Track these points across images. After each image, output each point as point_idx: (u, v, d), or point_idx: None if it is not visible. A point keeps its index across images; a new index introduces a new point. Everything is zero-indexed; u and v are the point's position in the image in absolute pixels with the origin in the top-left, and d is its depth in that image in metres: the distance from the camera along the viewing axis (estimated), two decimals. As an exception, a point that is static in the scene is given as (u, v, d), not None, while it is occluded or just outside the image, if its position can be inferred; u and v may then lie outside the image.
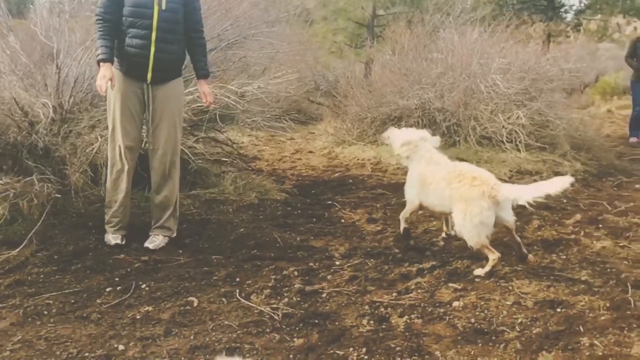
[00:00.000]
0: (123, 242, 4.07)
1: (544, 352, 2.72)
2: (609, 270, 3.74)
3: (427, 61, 7.79)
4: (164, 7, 3.88)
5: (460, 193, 3.75)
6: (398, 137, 4.37)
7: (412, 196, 4.21)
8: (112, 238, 4.06)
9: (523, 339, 2.86)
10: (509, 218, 3.79)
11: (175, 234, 4.20)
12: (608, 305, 3.20)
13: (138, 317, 3.06)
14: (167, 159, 4.06)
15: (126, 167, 3.98)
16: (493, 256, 3.68)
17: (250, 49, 5.74)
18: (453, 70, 7.43)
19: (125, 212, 4.11)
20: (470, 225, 3.69)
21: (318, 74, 11.38)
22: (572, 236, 4.39)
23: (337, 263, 3.93)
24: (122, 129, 3.92)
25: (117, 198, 4.05)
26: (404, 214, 4.30)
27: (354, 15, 13.43)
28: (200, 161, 5.09)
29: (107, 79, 3.75)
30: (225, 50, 5.44)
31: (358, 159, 7.26)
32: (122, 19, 3.86)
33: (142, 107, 4.01)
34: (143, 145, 4.28)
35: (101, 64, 3.78)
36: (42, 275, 3.57)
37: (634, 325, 2.97)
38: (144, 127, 4.17)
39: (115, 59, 3.90)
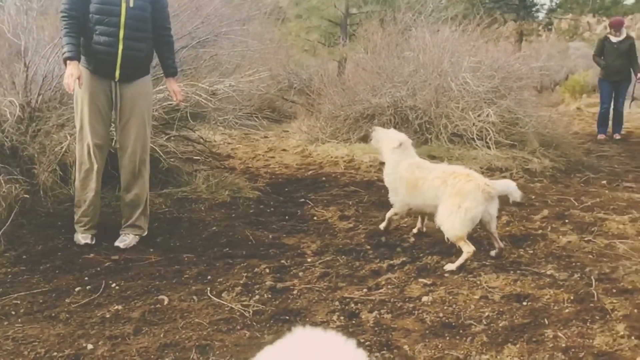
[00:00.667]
0: (93, 242, 4.03)
1: (509, 344, 2.78)
2: (573, 264, 3.83)
3: (399, 59, 7.85)
4: (131, 5, 3.85)
5: (457, 188, 3.84)
6: (389, 137, 4.45)
7: (402, 202, 4.29)
8: (82, 237, 4.03)
9: (489, 332, 2.92)
10: (494, 213, 3.91)
11: (146, 233, 4.18)
12: (572, 298, 3.29)
13: (107, 316, 3.05)
14: (137, 157, 4.04)
15: (95, 165, 3.95)
16: (468, 249, 3.77)
17: (221, 47, 5.72)
18: (425, 69, 7.50)
19: (95, 211, 4.07)
20: (460, 218, 3.78)
21: (292, 73, 11.38)
22: (539, 231, 4.48)
23: (309, 260, 3.95)
24: (90, 128, 3.88)
25: (87, 197, 4.01)
26: (390, 215, 4.37)
27: (327, 13, 13.46)
28: (171, 160, 5.06)
29: (75, 77, 3.71)
30: (196, 48, 5.42)
31: (331, 157, 7.29)
32: (89, 15, 3.82)
33: (110, 105, 3.98)
34: (112, 143, 4.25)
35: (68, 62, 3.74)
36: (10, 276, 3.52)
37: (597, 317, 3.06)
38: (112, 125, 4.14)
39: (83, 57, 3.86)
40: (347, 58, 10.38)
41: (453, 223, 3.81)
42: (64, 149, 4.44)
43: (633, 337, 2.84)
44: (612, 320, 3.02)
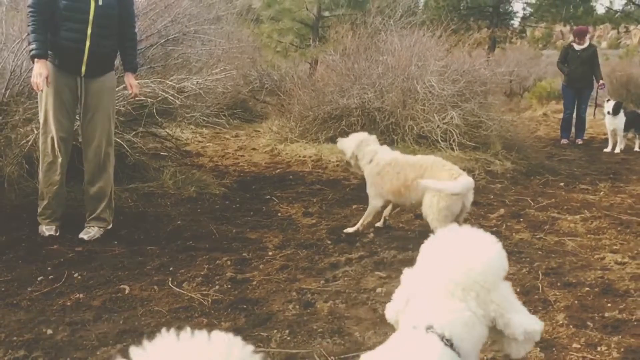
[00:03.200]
0: (57, 233, 4.09)
1: (455, 332, 2.92)
2: (523, 259, 4.00)
3: (368, 62, 8.01)
4: (100, 3, 3.93)
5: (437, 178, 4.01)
6: (349, 142, 4.59)
7: (378, 196, 4.41)
8: (46, 229, 4.08)
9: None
10: (468, 205, 4.09)
11: (111, 226, 4.25)
12: (518, 290, 3.45)
13: (68, 304, 3.12)
14: (102, 151, 4.11)
15: (59, 159, 4.01)
16: None
17: (191, 46, 5.81)
18: (392, 71, 7.67)
19: (59, 203, 4.13)
20: (438, 207, 3.95)
21: (263, 73, 11.49)
22: (494, 229, 4.66)
23: (270, 253, 4.07)
24: (55, 121, 3.94)
25: (50, 190, 4.07)
26: (367, 216, 4.49)
27: (299, 15, 13.61)
28: (138, 155, 5.13)
29: (44, 77, 3.78)
30: (165, 46, 5.50)
31: (300, 156, 7.41)
32: (57, 12, 3.88)
33: (75, 100, 4.05)
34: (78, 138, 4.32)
35: (36, 60, 3.80)
36: (-28, 265, 3.57)
37: (539, 308, 3.23)
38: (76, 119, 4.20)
39: (49, 52, 3.92)
40: (318, 60, 10.51)
41: (433, 213, 3.99)
42: (30, 143, 4.48)
43: (571, 326, 3.02)
44: (553, 310, 3.19)
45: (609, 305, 3.28)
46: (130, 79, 4.31)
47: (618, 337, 2.89)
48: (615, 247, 4.27)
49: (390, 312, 1.65)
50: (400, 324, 1.56)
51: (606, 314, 3.15)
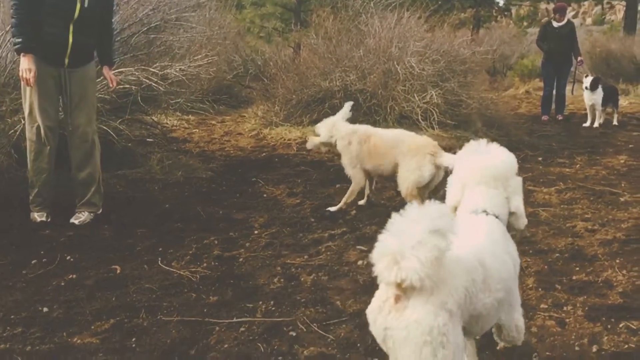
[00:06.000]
0: (49, 219, 4.22)
1: (430, 297, 3.10)
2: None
3: (349, 45, 8.12)
4: (86, 5, 4.06)
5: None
6: (322, 127, 4.76)
7: (359, 171, 4.61)
8: (38, 216, 4.21)
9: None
10: (438, 180, 4.30)
11: (100, 210, 4.38)
12: (492, 258, 3.62)
13: (62, 284, 3.26)
14: (89, 137, 4.25)
15: (47, 147, 4.13)
16: None
17: (173, 33, 5.90)
18: (374, 54, 7.79)
19: (48, 191, 4.25)
20: (412, 174, 4.21)
21: (247, 58, 11.55)
22: (472, 202, 4.83)
23: (256, 232, 4.22)
24: (41, 110, 4.06)
25: (40, 178, 4.19)
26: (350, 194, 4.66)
27: (281, 0, 13.63)
28: (125, 142, 5.24)
29: (33, 72, 3.91)
30: (147, 34, 5.59)
31: (285, 140, 7.54)
32: (42, 8, 3.97)
33: (59, 89, 4.17)
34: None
35: (22, 54, 3.91)
36: (-33, 252, 3.69)
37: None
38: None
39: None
40: (300, 44, 10.59)
41: (406, 179, 4.25)
42: (18, 133, 4.58)
43: (540, 289, 3.20)
44: (524, 275, 3.37)
45: (577, 269, 3.47)
46: (108, 72, 4.46)
47: (583, 297, 3.09)
48: (586, 216, 4.46)
49: (451, 198, 2.20)
50: (459, 209, 2.16)
51: (574, 277, 3.35)
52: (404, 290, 1.65)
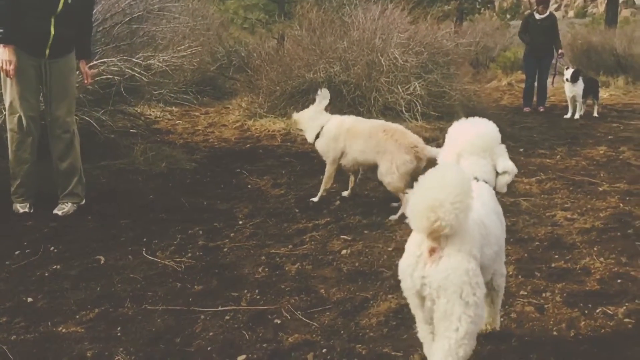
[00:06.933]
0: (31, 210, 4.20)
1: (413, 285, 3.14)
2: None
3: (333, 36, 8.13)
4: (70, 2, 4.05)
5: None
6: (304, 117, 4.79)
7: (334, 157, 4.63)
8: (20, 207, 4.19)
9: (398, 277, 3.27)
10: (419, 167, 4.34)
11: (84, 201, 4.37)
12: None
13: (46, 274, 3.26)
14: (70, 128, 4.24)
15: (30, 137, 4.12)
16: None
17: (156, 24, 5.87)
18: (357, 45, 7.81)
19: (31, 181, 4.23)
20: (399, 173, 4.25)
21: (231, 50, 11.50)
22: (454, 192, 4.89)
23: (240, 223, 4.24)
24: (23, 100, 4.04)
25: (22, 169, 4.17)
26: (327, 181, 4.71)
27: (265, -9, 13.63)
28: (107, 133, 5.22)
29: (14, 64, 3.88)
30: (130, 24, 5.56)
31: (269, 131, 7.55)
32: (25, 1, 3.94)
33: (39, 80, 4.15)
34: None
35: (2, 45, 3.87)
36: (-51, 243, 3.67)
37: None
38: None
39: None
40: (284, 35, 10.58)
41: (391, 176, 4.27)
42: (-1, 123, 4.54)
43: (520, 276, 3.27)
44: (505, 262, 3.42)
45: (556, 256, 3.54)
46: (84, 67, 4.44)
47: (562, 284, 3.15)
48: (566, 205, 4.55)
49: None
50: None
51: (553, 265, 3.42)
52: (438, 242, 1.89)
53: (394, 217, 4.25)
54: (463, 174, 1.93)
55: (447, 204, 1.81)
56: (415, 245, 1.99)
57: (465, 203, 1.84)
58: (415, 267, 1.96)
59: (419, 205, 1.86)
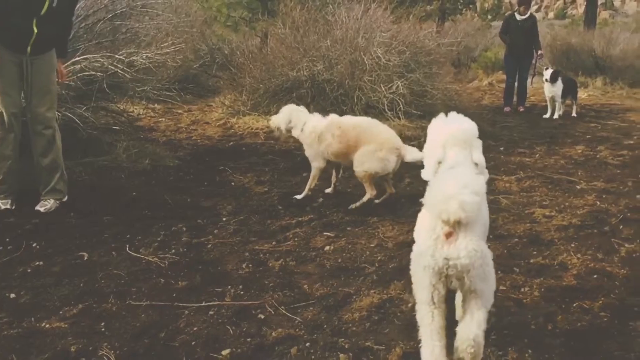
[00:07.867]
0: (13, 207, 4.18)
1: (395, 281, 3.20)
2: (461, 216, 4.31)
3: (317, 35, 8.16)
4: (54, 4, 4.04)
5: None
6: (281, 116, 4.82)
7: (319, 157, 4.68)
8: (2, 204, 4.16)
9: (380, 272, 3.33)
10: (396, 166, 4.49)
11: (66, 198, 4.36)
12: (455, 243, 3.74)
13: (29, 270, 3.26)
14: (51, 124, 4.24)
15: (12, 133, 4.10)
16: (372, 192, 4.40)
17: (139, 21, 5.85)
18: (341, 44, 7.85)
19: (13, 178, 4.21)
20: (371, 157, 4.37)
21: (214, 47, 11.48)
22: (436, 190, 4.95)
23: (224, 219, 4.26)
24: (6, 97, 4.02)
25: (4, 165, 4.15)
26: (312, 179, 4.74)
27: (248, -12, 13.60)
28: (90, 129, 5.20)
29: None
30: (113, 21, 5.54)
31: (252, 129, 7.56)
32: (9, 1, 3.94)
33: (21, 77, 4.13)
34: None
35: None
36: None
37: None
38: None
39: None
40: (267, 33, 10.60)
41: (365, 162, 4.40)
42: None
43: (499, 272, 3.28)
44: (485, 259, 3.49)
45: (535, 253, 3.62)
46: (60, 66, 4.44)
47: (540, 279, 3.23)
48: (544, 203, 4.63)
49: (436, 156, 2.50)
50: (442, 165, 2.48)
51: (531, 261, 3.49)
52: (454, 226, 2.07)
53: (353, 205, 4.46)
54: (475, 171, 2.31)
55: (467, 194, 2.02)
56: (430, 229, 2.16)
57: (481, 195, 2.10)
58: (435, 248, 2.12)
59: (441, 193, 2.08)
